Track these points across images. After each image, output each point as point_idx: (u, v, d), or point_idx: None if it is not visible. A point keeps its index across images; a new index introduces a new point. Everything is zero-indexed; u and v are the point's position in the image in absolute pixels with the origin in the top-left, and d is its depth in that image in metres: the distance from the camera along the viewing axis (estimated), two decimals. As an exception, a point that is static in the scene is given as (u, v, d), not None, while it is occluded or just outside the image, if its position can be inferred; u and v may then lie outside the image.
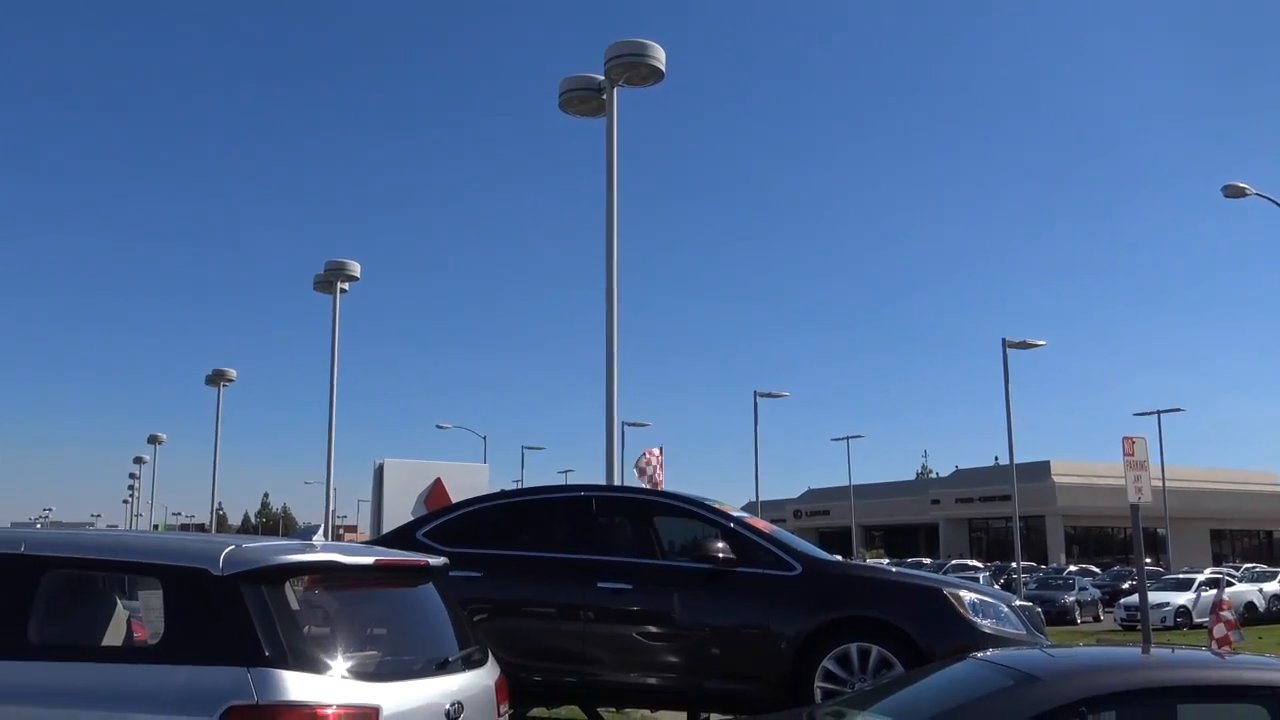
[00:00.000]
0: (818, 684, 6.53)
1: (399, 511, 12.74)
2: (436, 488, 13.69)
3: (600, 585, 7.04)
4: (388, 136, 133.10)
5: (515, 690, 5.33)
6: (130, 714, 3.78)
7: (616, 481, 15.60)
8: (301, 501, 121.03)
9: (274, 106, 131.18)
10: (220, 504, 49.01)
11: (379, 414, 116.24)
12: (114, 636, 4.66)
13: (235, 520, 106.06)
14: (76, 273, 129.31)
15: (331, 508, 27.65)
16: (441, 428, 54.47)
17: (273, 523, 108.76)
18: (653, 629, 7.03)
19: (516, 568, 7.31)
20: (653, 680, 7.02)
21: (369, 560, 4.58)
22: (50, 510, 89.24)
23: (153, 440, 57.42)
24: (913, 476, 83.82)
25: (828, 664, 6.56)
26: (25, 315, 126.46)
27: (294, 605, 4.10)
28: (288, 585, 4.14)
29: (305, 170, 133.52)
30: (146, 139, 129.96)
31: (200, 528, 61.16)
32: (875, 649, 6.52)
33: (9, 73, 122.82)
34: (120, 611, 4.80)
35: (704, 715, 7.55)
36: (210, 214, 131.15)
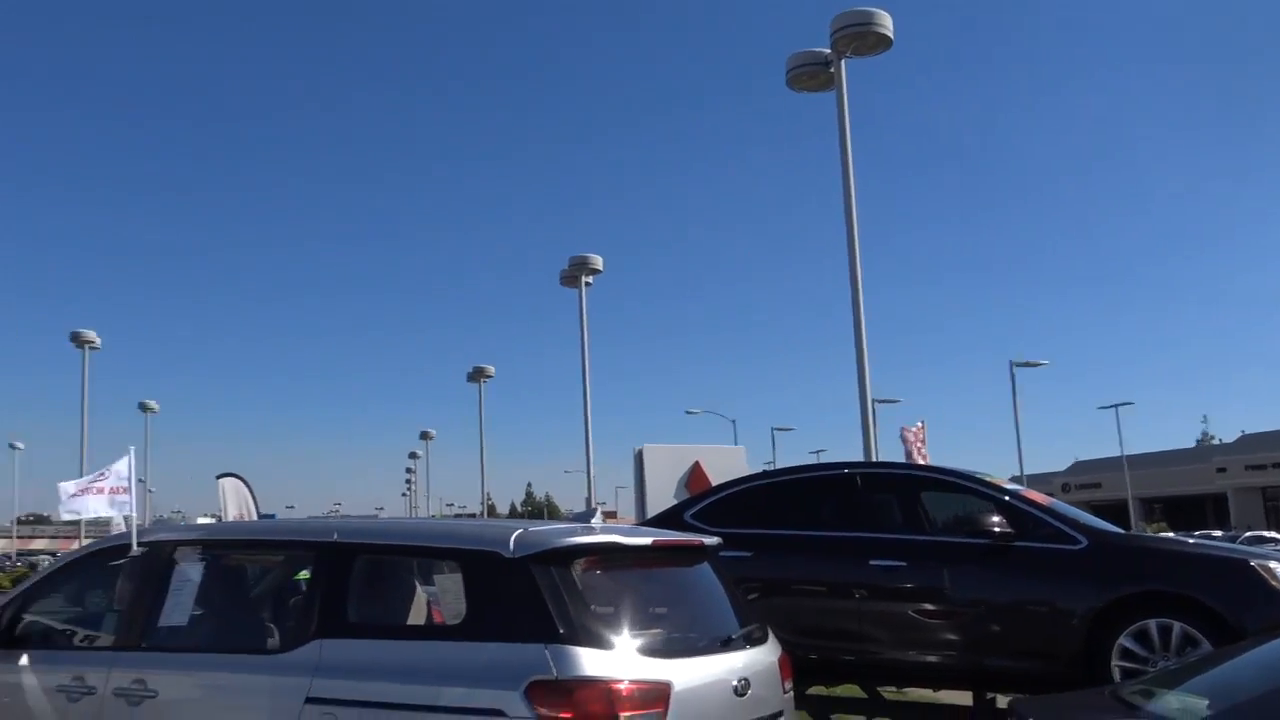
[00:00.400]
0: (1115, 663, 6.17)
1: (661, 495, 12.98)
2: (696, 471, 13.86)
3: (873, 563, 6.93)
4: (618, 124, 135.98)
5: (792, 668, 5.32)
6: (443, 687, 4.03)
7: (873, 459, 15.33)
8: (562, 490, 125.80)
9: (514, 103, 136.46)
10: (488, 494, 51.72)
11: (630, 401, 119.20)
12: (416, 617, 4.98)
13: (503, 509, 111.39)
14: (353, 279, 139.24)
15: (591, 494, 28.62)
16: (691, 413, 55.25)
17: (537, 511, 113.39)
18: (929, 607, 6.86)
19: (786, 547, 7.31)
20: (932, 659, 6.85)
21: (647, 541, 4.68)
22: (339, 505, 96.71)
23: (424, 436, 61.31)
24: (1192, 444, 77.93)
25: (1125, 641, 6.19)
26: (308, 319, 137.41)
27: (581, 585, 4.25)
28: (573, 565, 4.29)
29: (543, 163, 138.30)
30: (400, 145, 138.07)
31: (472, 517, 64.68)
32: (1177, 625, 6.09)
33: (275, 83, 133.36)
34: (420, 595, 5.12)
35: (989, 694, 7.30)
36: (459, 214, 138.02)
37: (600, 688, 3.90)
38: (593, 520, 4.73)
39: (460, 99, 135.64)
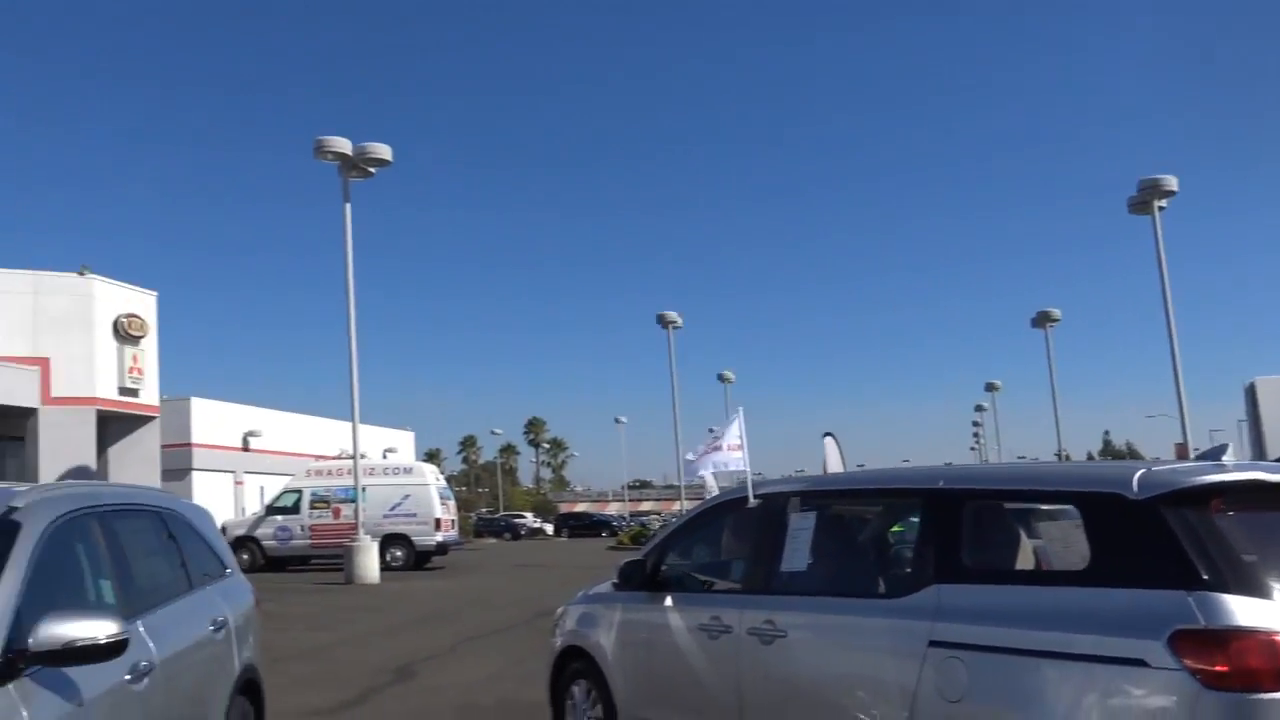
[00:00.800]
0: None
1: (1281, 432, 11.44)
2: (1326, 403, 12.00)
3: None
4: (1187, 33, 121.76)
5: None
6: (1072, 634, 3.85)
7: None
8: (1144, 436, 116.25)
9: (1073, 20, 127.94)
10: (1063, 445, 49.12)
11: (1216, 333, 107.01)
12: (1024, 564, 4.83)
13: (1079, 459, 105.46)
14: (903, 232, 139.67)
15: (1186, 437, 26.04)
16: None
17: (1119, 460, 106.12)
18: None
19: None
20: None
21: None
22: (907, 461, 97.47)
23: (990, 388, 59.82)
24: None
25: None
26: (858, 281, 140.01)
27: (1220, 527, 3.84)
28: (1208, 505, 3.90)
29: (1100, 83, 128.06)
30: (937, 78, 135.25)
31: (1046, 469, 61.89)
32: None
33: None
34: (1026, 542, 4.96)
35: None
36: (1005, 147, 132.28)
37: (1258, 639, 3.49)
38: (1224, 457, 4.26)
39: (1003, 22, 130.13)
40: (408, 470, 30.73)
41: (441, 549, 29.19)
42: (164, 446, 31.83)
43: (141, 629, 4.27)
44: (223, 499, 38.66)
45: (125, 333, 29.03)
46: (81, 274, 29.06)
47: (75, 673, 3.58)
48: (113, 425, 29.58)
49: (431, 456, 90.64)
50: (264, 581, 23.13)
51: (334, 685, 10.51)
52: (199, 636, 5.06)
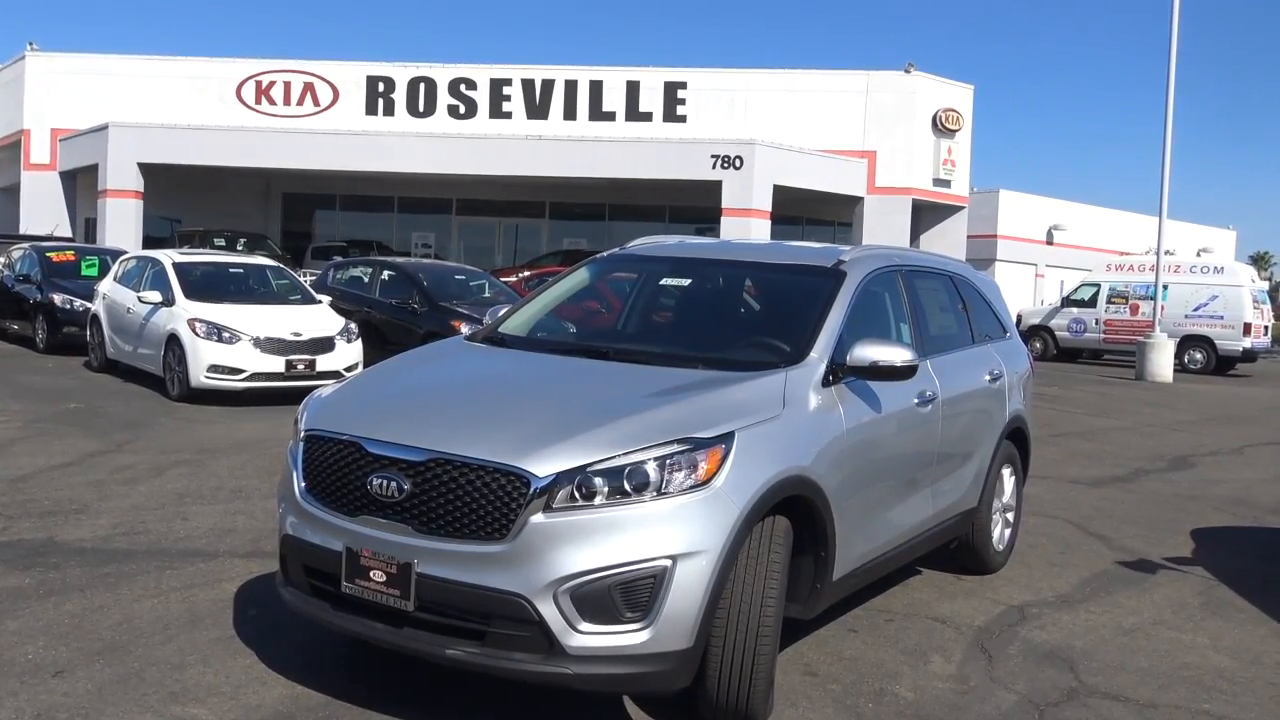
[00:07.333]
0: None
1: None
2: None
3: None
4: None
5: None
6: None
7: None
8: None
9: None
10: None
11: None
12: None
13: None
14: None
15: None
16: None
17: None
18: None
19: None
20: None
21: None
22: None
23: None
24: None
25: None
26: None
27: None
28: None
29: None
30: None
31: None
32: None
33: None
34: None
35: None
36: None
37: None
38: None
39: None
40: (1218, 270, 28.73)
41: (1248, 356, 27.28)
42: (970, 237, 33.74)
43: (929, 366, 5.37)
44: (1022, 291, 39.78)
45: (942, 126, 31.02)
46: (907, 71, 31.33)
47: (877, 387, 4.78)
48: (925, 214, 32.14)
49: (1259, 260, 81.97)
50: (1052, 370, 24.06)
51: (1106, 463, 11.12)
52: (976, 383, 6.08)
